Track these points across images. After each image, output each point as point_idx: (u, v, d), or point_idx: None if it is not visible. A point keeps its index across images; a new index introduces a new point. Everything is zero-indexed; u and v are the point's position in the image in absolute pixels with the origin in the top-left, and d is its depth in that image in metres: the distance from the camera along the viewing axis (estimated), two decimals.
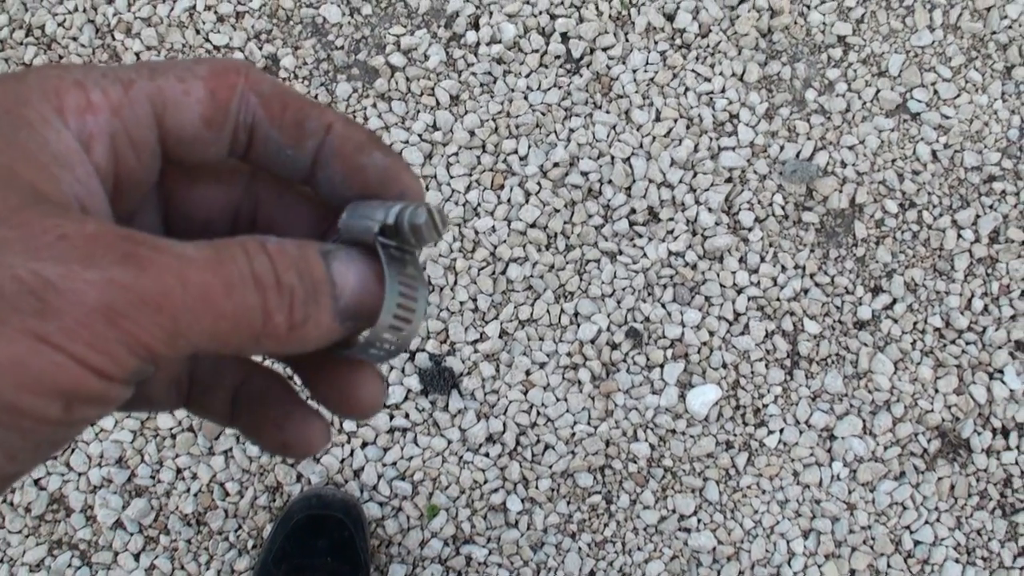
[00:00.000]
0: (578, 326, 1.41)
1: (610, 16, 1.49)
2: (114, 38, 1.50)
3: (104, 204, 0.25)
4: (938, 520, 1.40)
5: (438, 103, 1.47)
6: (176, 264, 0.22)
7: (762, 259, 1.42)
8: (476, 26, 1.49)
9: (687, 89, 1.47)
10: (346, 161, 0.28)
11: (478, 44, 1.48)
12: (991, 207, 1.44)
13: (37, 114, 0.24)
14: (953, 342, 1.42)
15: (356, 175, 0.28)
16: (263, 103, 0.27)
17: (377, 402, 0.29)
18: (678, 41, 1.48)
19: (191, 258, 0.22)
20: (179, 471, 1.40)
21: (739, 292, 1.42)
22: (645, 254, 1.42)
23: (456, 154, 1.45)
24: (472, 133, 1.45)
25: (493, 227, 1.43)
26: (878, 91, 1.47)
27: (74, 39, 1.50)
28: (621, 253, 1.42)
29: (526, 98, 1.46)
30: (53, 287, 0.20)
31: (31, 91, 0.24)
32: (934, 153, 1.45)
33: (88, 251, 0.21)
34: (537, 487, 1.39)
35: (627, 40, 1.48)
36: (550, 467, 1.39)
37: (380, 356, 0.28)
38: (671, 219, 1.43)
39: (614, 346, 1.41)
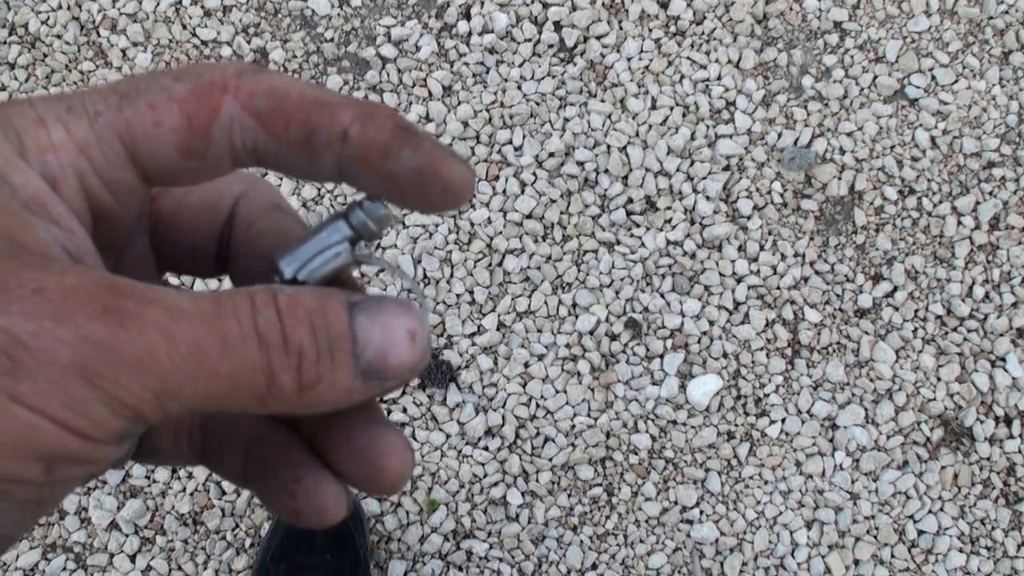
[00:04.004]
0: (576, 317, 1.40)
1: (603, 4, 1.47)
2: (99, 35, 1.48)
3: (87, 243, 0.24)
4: (942, 509, 1.38)
5: (431, 94, 1.45)
6: (164, 318, 0.20)
7: (761, 247, 1.41)
8: (467, 16, 1.47)
9: (682, 77, 1.45)
10: (374, 171, 0.24)
11: (470, 34, 1.46)
12: (991, 193, 1.43)
13: (2, 159, 0.22)
14: (955, 330, 1.40)
15: (389, 184, 0.24)
16: (262, 124, 0.24)
17: (404, 475, 0.26)
18: (672, 28, 1.47)
19: (184, 312, 0.20)
20: (174, 471, 1.38)
21: (739, 281, 1.40)
22: (643, 244, 1.41)
23: (450, 145, 1.43)
24: (466, 124, 1.44)
25: (489, 218, 1.41)
26: (875, 77, 1.46)
27: (58, 37, 1.48)
28: (619, 243, 1.41)
29: (520, 88, 1.45)
30: (23, 345, 0.19)
31: None
32: (933, 139, 1.44)
33: (64, 305, 0.19)
34: (537, 480, 1.37)
35: (621, 28, 1.47)
36: (550, 460, 1.38)
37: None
38: (669, 208, 1.41)
39: (613, 337, 1.39)
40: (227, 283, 0.29)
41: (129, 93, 0.24)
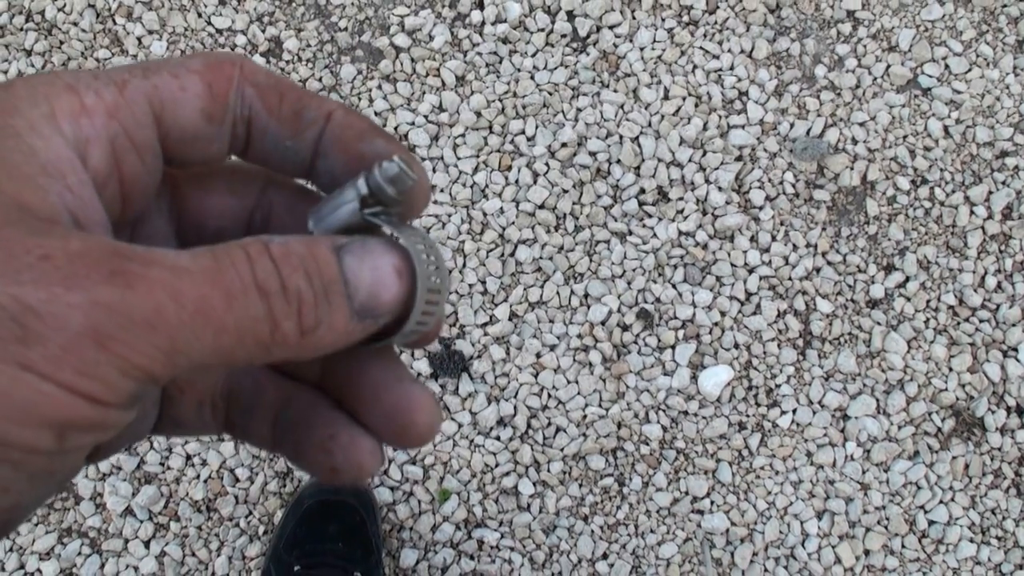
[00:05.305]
0: (588, 308, 1.40)
1: None
2: (115, 22, 1.48)
3: (100, 213, 0.24)
4: (952, 500, 1.39)
5: (444, 84, 1.45)
6: (169, 277, 0.21)
7: (773, 238, 1.41)
8: (481, 5, 1.47)
9: (695, 67, 1.45)
10: (346, 149, 0.27)
11: (483, 23, 1.46)
12: (1004, 183, 1.42)
13: (25, 122, 0.23)
14: (967, 320, 1.40)
15: (356, 164, 0.26)
16: (260, 94, 0.26)
17: (434, 427, 0.27)
18: (685, 18, 1.46)
19: (186, 269, 0.21)
20: (188, 457, 1.39)
21: (750, 271, 1.41)
22: (655, 234, 1.41)
23: (463, 135, 1.43)
24: (479, 114, 1.44)
25: (501, 209, 1.41)
26: (888, 66, 1.45)
27: (75, 24, 1.48)
28: (631, 233, 1.41)
29: (532, 78, 1.45)
30: (34, 312, 0.19)
31: (20, 99, 0.23)
32: (946, 129, 1.44)
33: (71, 271, 0.20)
34: (549, 470, 1.38)
35: (634, 17, 1.46)
36: (562, 450, 1.38)
37: (413, 339, 0.27)
38: (681, 199, 1.41)
39: (625, 327, 1.40)
40: None
41: (150, 66, 0.25)
